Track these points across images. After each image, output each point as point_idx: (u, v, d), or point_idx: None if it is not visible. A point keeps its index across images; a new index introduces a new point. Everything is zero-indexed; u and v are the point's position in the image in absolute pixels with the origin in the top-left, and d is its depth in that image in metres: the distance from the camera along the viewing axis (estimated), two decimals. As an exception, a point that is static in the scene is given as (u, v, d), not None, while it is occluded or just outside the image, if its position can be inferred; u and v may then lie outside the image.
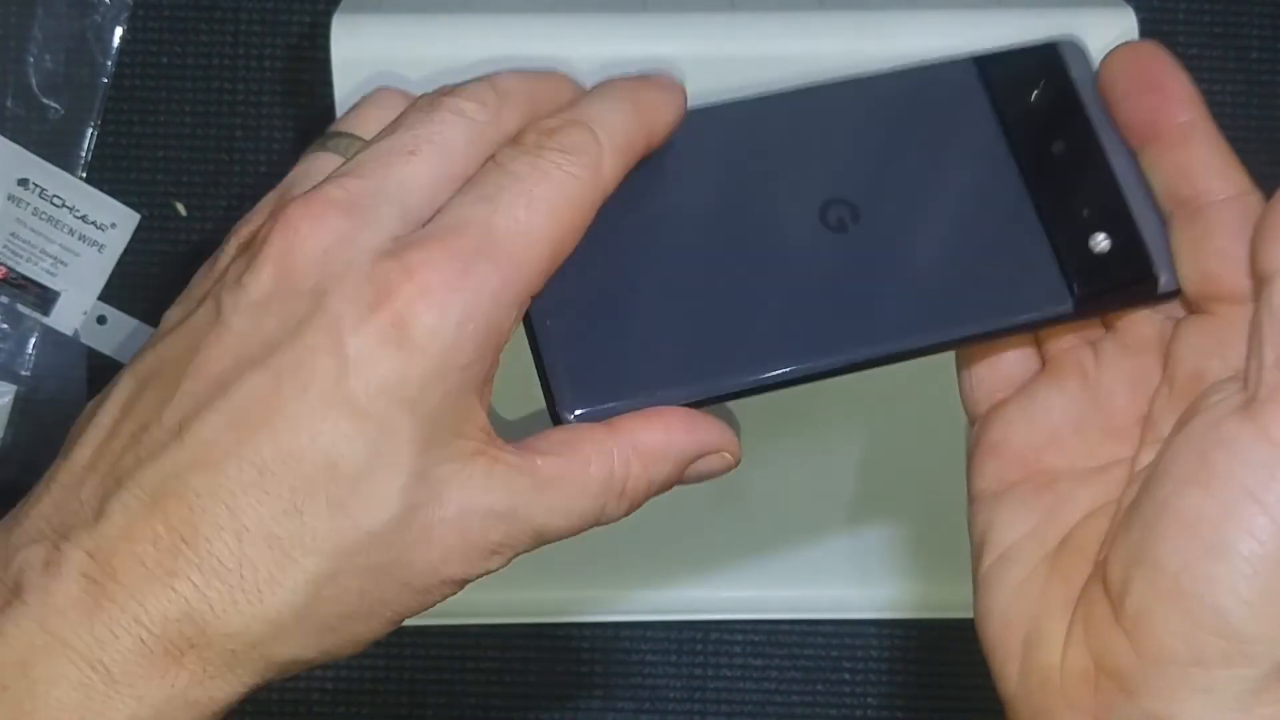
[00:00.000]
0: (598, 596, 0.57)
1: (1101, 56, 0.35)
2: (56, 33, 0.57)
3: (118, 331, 0.57)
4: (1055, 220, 0.36)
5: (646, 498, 0.35)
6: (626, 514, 0.35)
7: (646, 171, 0.35)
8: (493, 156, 0.33)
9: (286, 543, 0.31)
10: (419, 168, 0.33)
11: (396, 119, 0.34)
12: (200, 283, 0.34)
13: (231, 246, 0.34)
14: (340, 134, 0.35)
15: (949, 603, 0.57)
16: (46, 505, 0.32)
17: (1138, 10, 0.46)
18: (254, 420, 0.30)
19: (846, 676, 0.60)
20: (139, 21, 0.57)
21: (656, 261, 0.35)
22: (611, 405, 0.34)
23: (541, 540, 0.34)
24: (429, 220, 0.32)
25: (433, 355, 0.31)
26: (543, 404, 0.34)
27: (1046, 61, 0.36)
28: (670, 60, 0.44)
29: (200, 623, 0.30)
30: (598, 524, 0.34)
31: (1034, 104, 0.36)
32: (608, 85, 0.35)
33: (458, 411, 0.32)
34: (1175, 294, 0.34)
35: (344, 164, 0.33)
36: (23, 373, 0.57)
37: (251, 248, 0.32)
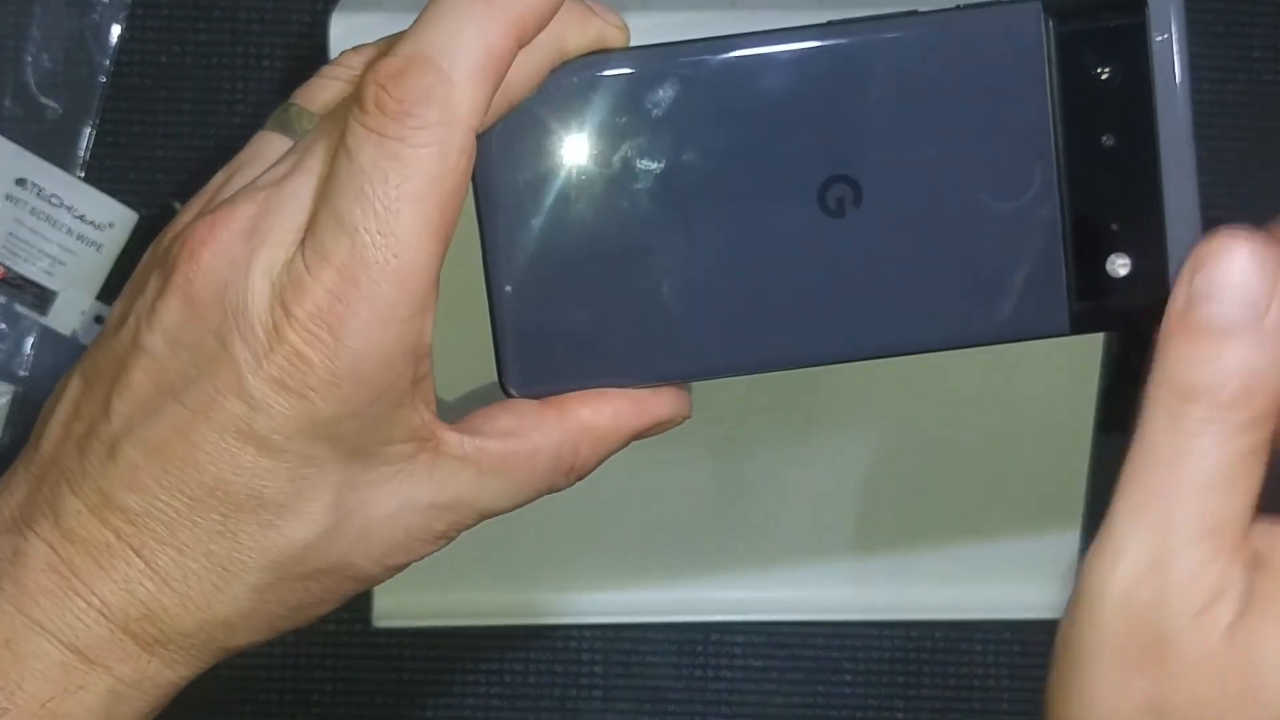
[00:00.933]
0: (598, 598, 0.57)
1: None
2: (55, 32, 0.56)
3: (116, 331, 0.57)
4: (1079, 226, 0.32)
5: (594, 469, 0.35)
6: (573, 484, 0.35)
7: (627, 128, 0.33)
8: (343, 135, 0.31)
9: (224, 559, 0.32)
10: (311, 179, 0.32)
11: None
12: (135, 278, 0.34)
13: (151, 253, 0.34)
14: (293, 107, 0.35)
15: (949, 604, 0.57)
16: (18, 493, 0.33)
17: (1139, 9, 0.46)
18: (176, 452, 0.31)
19: (847, 677, 0.60)
20: (137, 20, 0.56)
21: (625, 233, 0.33)
22: (560, 385, 0.34)
23: (486, 518, 0.34)
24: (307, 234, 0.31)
25: (334, 398, 0.31)
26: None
27: (1125, 23, 0.31)
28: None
29: (159, 623, 0.32)
30: (545, 495, 0.35)
31: (1095, 77, 0.31)
32: None
33: (381, 427, 0.32)
34: None
35: (264, 172, 0.33)
36: (21, 373, 0.57)
37: (165, 265, 0.32)
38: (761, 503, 0.56)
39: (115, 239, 0.57)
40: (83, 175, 0.57)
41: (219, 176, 0.34)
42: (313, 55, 0.55)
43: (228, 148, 0.57)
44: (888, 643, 0.60)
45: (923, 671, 0.60)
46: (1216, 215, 0.61)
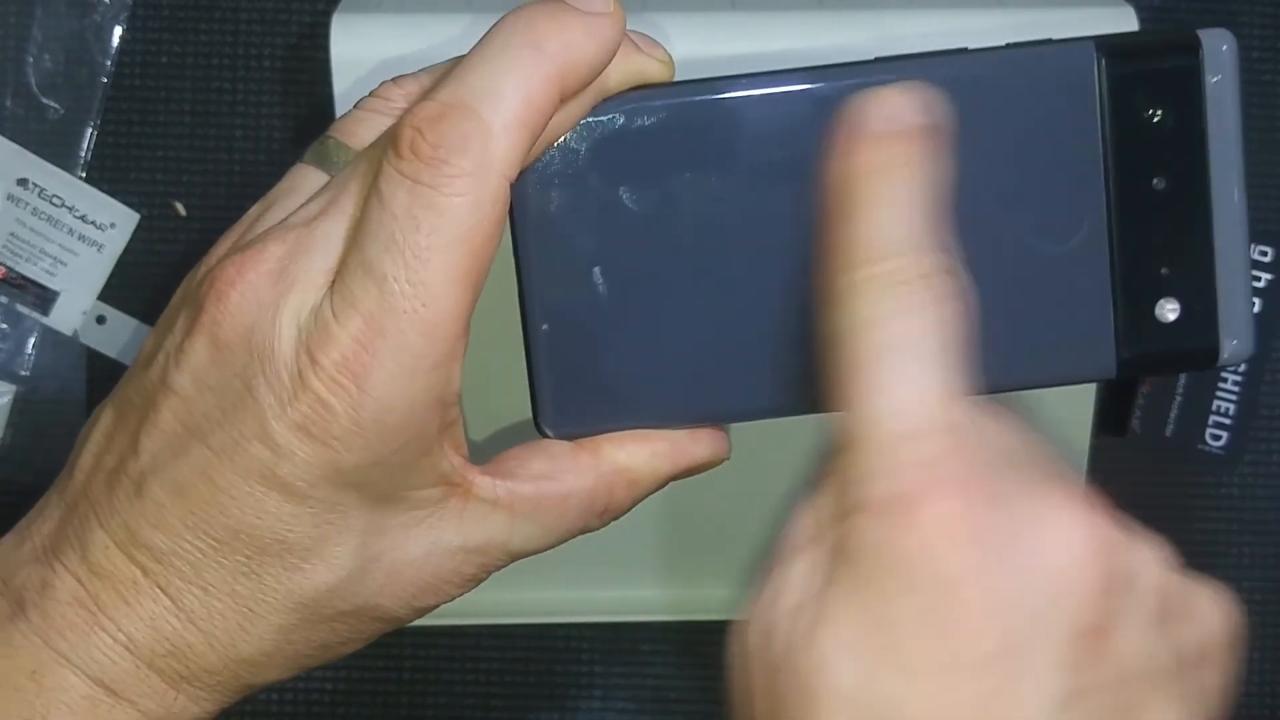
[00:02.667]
0: (598, 596, 0.57)
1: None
2: (56, 32, 0.57)
3: (117, 331, 0.57)
4: (1127, 271, 0.31)
5: (630, 510, 0.35)
6: (607, 524, 0.35)
7: (667, 166, 0.32)
8: (376, 178, 0.30)
9: (249, 600, 0.32)
10: (344, 221, 0.31)
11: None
12: (169, 312, 0.33)
13: (184, 288, 0.33)
14: (331, 140, 0.34)
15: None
16: (49, 523, 0.33)
17: (1138, 9, 0.46)
18: (201, 494, 0.31)
19: (847, 677, 0.59)
20: (138, 21, 0.56)
21: (663, 273, 0.32)
22: (597, 426, 0.33)
23: (518, 559, 0.34)
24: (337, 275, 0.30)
25: (358, 447, 0.30)
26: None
27: (1179, 65, 0.30)
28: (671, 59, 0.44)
29: (185, 660, 0.32)
30: (579, 535, 0.34)
31: (1148, 120, 0.30)
32: (503, 27, 0.31)
33: (407, 474, 0.31)
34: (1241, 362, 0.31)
35: (297, 210, 0.32)
36: (22, 373, 0.57)
37: (194, 304, 0.32)
38: (763, 502, 0.56)
39: (117, 239, 0.57)
40: (84, 175, 0.57)
41: (254, 210, 0.34)
42: (313, 56, 0.55)
43: (228, 148, 0.57)
44: (887, 642, 0.60)
45: (922, 671, 0.60)
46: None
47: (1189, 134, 0.30)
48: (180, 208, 0.57)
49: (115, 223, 0.57)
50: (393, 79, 0.34)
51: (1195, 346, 0.31)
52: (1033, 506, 0.28)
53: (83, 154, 0.57)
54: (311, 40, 0.56)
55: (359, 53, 0.46)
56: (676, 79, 0.32)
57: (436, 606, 0.34)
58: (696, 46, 0.46)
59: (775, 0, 0.48)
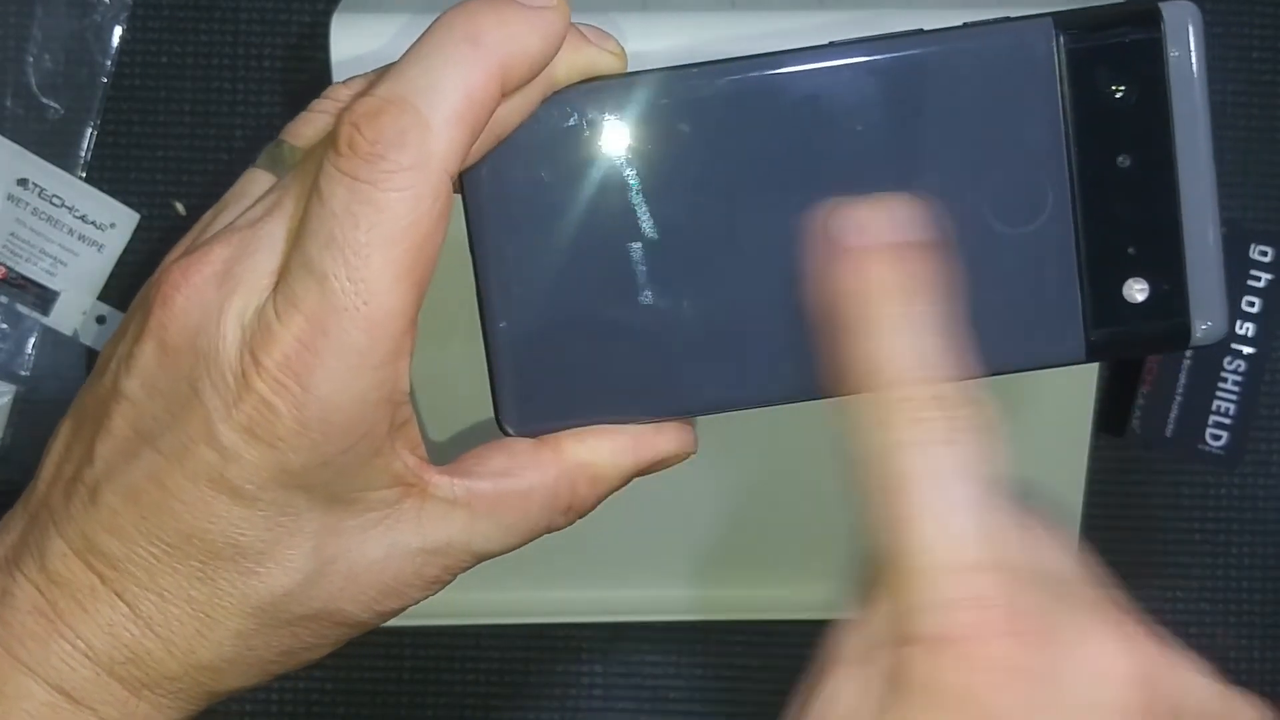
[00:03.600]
0: (598, 597, 0.57)
1: None
2: (56, 32, 0.57)
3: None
4: (1094, 251, 0.30)
5: (594, 508, 0.34)
6: (574, 522, 0.34)
7: (620, 158, 0.31)
8: (317, 177, 0.30)
9: (205, 605, 0.31)
10: (286, 221, 0.31)
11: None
12: (124, 319, 0.33)
13: (140, 295, 0.33)
14: (284, 144, 0.34)
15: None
16: (13, 534, 0.33)
17: None
18: (152, 499, 0.31)
19: (847, 677, 0.59)
20: (138, 21, 0.56)
21: (620, 266, 0.32)
22: (558, 422, 0.33)
23: (483, 559, 0.33)
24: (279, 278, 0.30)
25: (303, 448, 0.30)
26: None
27: (1140, 39, 0.29)
28: (671, 59, 0.44)
29: (144, 667, 0.32)
30: (544, 534, 0.34)
31: (1110, 95, 0.30)
32: (443, 22, 0.30)
33: (359, 475, 0.31)
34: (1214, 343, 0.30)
35: (243, 213, 0.32)
36: (22, 373, 0.57)
37: (142, 308, 0.32)
38: (762, 501, 0.56)
39: (116, 239, 0.57)
40: (84, 175, 0.57)
41: (207, 215, 0.34)
42: (313, 56, 0.55)
43: (228, 148, 0.57)
44: (887, 642, 0.60)
45: (922, 671, 0.60)
46: (1215, 215, 0.61)
47: (1152, 109, 0.29)
48: (180, 207, 0.57)
49: (115, 222, 0.57)
50: (343, 80, 0.34)
51: (1166, 327, 0.30)
52: (1079, 640, 0.28)
53: (83, 154, 0.57)
54: (311, 40, 0.56)
55: (359, 53, 0.46)
56: (634, 69, 0.32)
57: (401, 610, 0.33)
58: (696, 45, 0.46)
59: (774, 1, 0.48)
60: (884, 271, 0.29)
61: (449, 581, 0.33)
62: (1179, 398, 0.56)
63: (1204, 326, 0.30)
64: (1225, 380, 0.56)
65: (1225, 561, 0.58)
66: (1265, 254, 0.56)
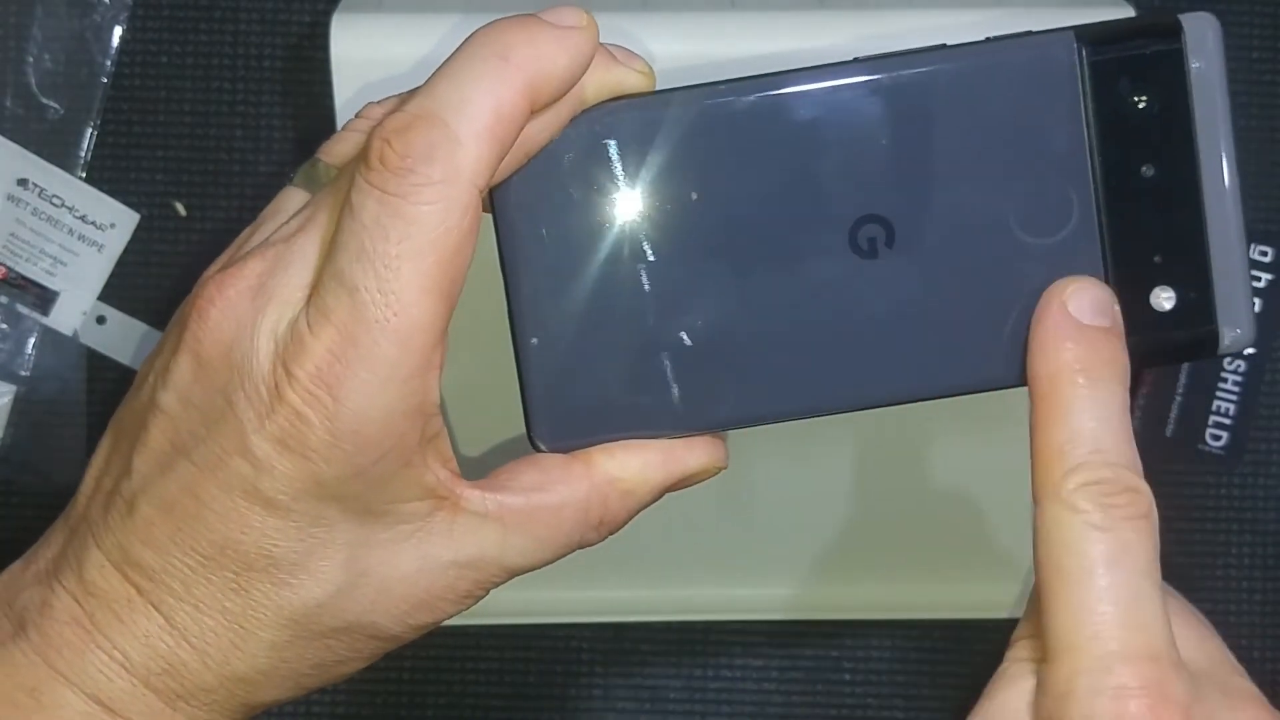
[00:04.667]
0: (598, 596, 0.57)
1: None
2: (56, 32, 0.57)
3: (117, 331, 0.57)
4: (1120, 261, 0.30)
5: (626, 523, 0.34)
6: (605, 538, 0.34)
7: (650, 175, 0.32)
8: (348, 190, 0.30)
9: (239, 616, 0.32)
10: (319, 235, 0.31)
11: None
12: (162, 338, 0.34)
13: (179, 310, 0.33)
14: (319, 163, 0.35)
15: (949, 603, 0.57)
16: (53, 547, 0.33)
17: (1138, 9, 0.46)
18: (187, 510, 0.31)
19: (846, 676, 0.60)
20: (138, 21, 0.56)
21: (651, 281, 0.32)
22: (589, 438, 0.33)
23: (515, 574, 0.34)
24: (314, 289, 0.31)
25: (335, 459, 0.30)
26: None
27: (1161, 50, 0.30)
28: (672, 59, 0.44)
29: (180, 678, 0.32)
30: (576, 549, 0.34)
31: (1133, 107, 0.30)
32: (474, 40, 0.31)
33: (391, 487, 0.31)
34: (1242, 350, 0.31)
35: (278, 228, 0.33)
36: (22, 373, 0.57)
37: (179, 323, 0.32)
38: (761, 501, 0.56)
39: (117, 239, 0.57)
40: (84, 176, 0.57)
41: (245, 232, 0.34)
42: (313, 56, 0.55)
43: (228, 148, 0.57)
44: (887, 642, 0.60)
45: (922, 671, 0.60)
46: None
47: (1175, 120, 0.30)
48: (180, 207, 0.57)
49: (115, 223, 0.57)
50: (378, 100, 0.35)
51: (1193, 335, 0.30)
52: None
53: (83, 154, 0.57)
54: (311, 40, 0.56)
55: (359, 53, 0.46)
56: (659, 87, 0.33)
57: (434, 624, 0.33)
58: (698, 45, 0.46)
59: (775, 1, 0.48)
60: (1106, 353, 0.30)
61: (481, 596, 0.34)
62: (1179, 398, 0.56)
63: (1232, 334, 0.31)
64: (1225, 380, 0.56)
65: (1225, 562, 0.58)
66: (1265, 254, 0.56)
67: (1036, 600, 0.30)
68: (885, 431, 0.55)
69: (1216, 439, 0.57)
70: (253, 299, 0.31)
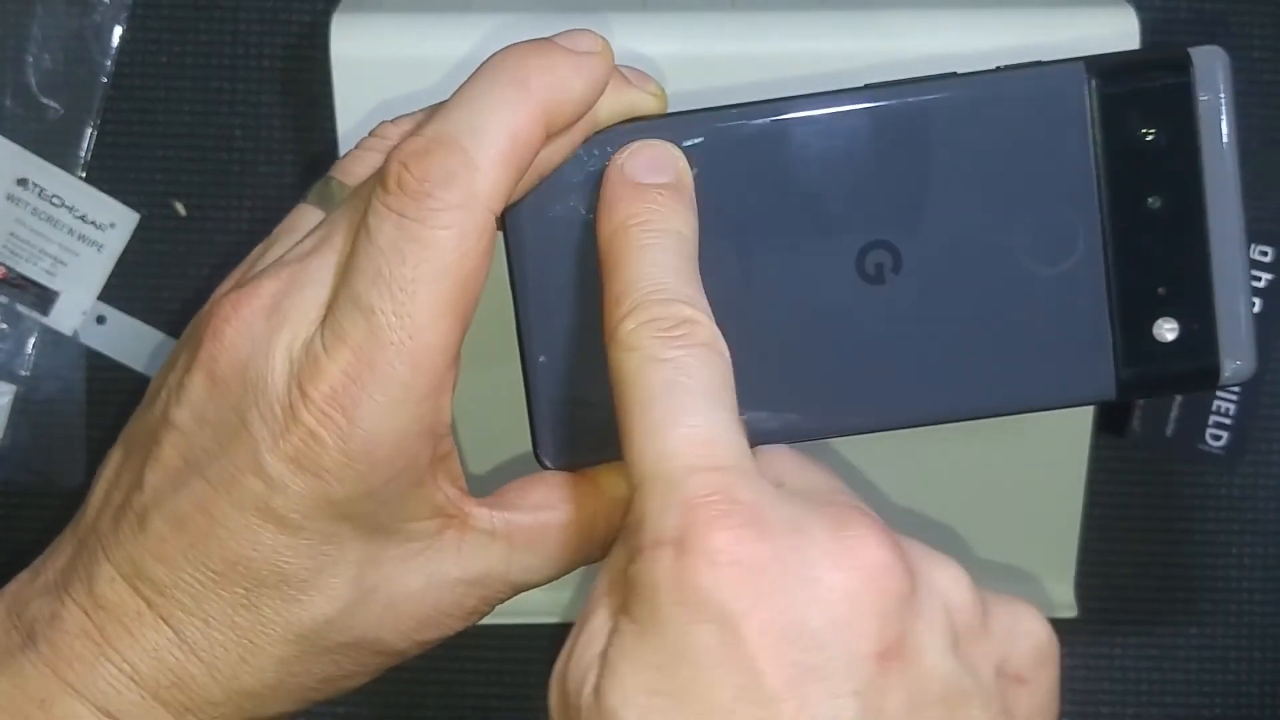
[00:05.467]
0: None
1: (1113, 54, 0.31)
2: (55, 32, 0.57)
3: (117, 331, 0.57)
4: (1124, 291, 0.31)
5: None
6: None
7: None
8: (365, 213, 0.31)
9: (249, 632, 0.32)
10: (334, 256, 0.31)
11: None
12: (174, 350, 0.34)
13: (190, 327, 0.34)
14: (333, 181, 0.35)
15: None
16: (61, 558, 0.33)
17: (1139, 10, 0.46)
18: (200, 526, 0.31)
19: (847, 677, 0.60)
20: (138, 21, 0.56)
21: None
22: (596, 457, 0.33)
23: (521, 590, 0.34)
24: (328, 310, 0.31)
25: (348, 479, 0.30)
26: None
27: (1170, 84, 0.30)
28: (671, 59, 0.44)
29: (188, 691, 0.32)
30: (582, 566, 0.34)
31: (1140, 139, 0.30)
32: (491, 65, 0.31)
33: (401, 506, 0.32)
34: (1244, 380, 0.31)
35: (293, 247, 0.33)
36: (22, 372, 0.57)
37: (193, 340, 0.32)
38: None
39: (116, 239, 0.57)
40: (84, 175, 0.57)
41: (257, 249, 0.35)
42: (313, 56, 0.55)
43: (227, 147, 0.57)
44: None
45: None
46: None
47: (1182, 152, 0.30)
48: (180, 207, 0.57)
49: (115, 222, 0.57)
50: (392, 119, 0.35)
51: (1195, 366, 0.31)
52: (812, 534, 0.28)
53: (82, 154, 0.57)
54: (311, 40, 0.56)
55: (358, 52, 0.46)
56: (666, 95, 0.33)
57: (439, 640, 0.34)
58: (698, 45, 0.46)
59: (774, 3, 0.48)
60: (631, 207, 0.30)
61: (487, 613, 0.34)
62: (1179, 398, 0.56)
63: (1234, 365, 0.31)
64: (1225, 380, 0.56)
65: (1225, 561, 0.58)
66: (1265, 254, 0.56)
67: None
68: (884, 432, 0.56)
69: (1217, 439, 0.57)
70: (268, 318, 0.31)
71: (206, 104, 0.57)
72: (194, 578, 0.31)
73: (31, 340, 0.57)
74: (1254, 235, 0.56)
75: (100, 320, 0.57)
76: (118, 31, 0.57)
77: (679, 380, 0.28)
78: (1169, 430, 0.57)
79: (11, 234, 0.57)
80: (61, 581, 0.33)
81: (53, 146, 0.57)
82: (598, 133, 0.32)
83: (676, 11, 0.47)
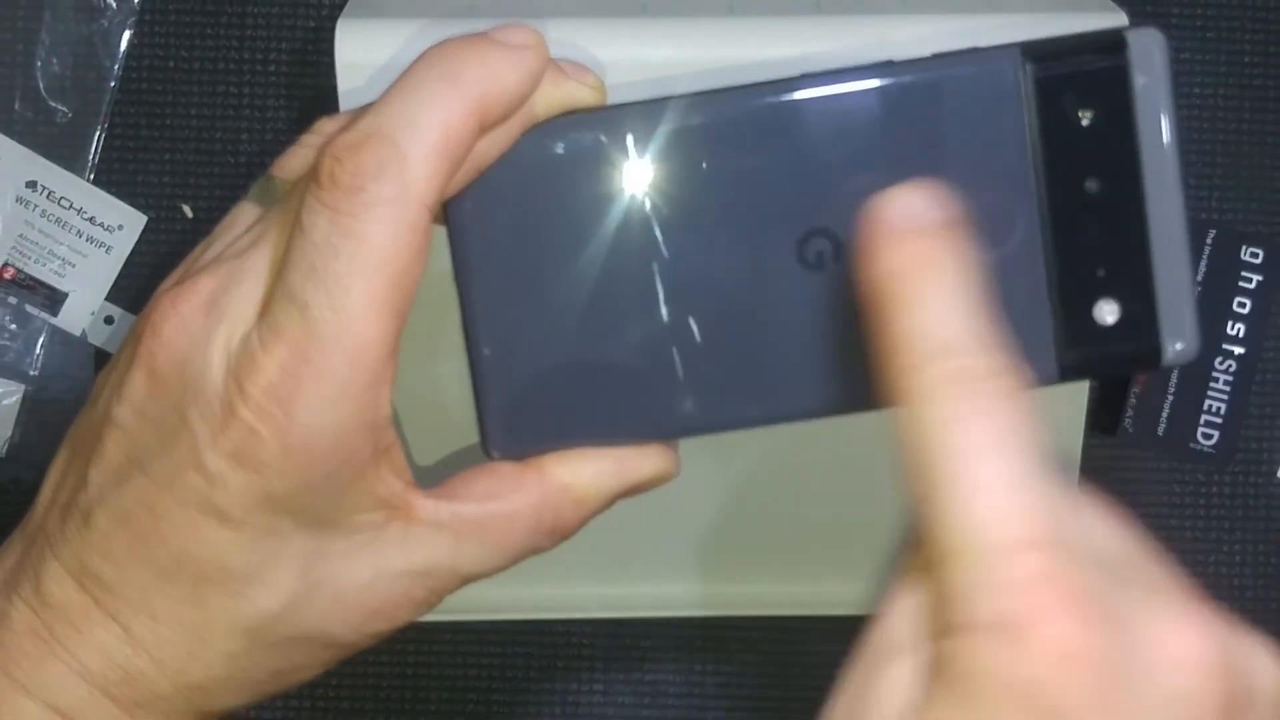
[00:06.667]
0: (599, 593, 0.58)
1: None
2: (64, 37, 0.57)
3: (125, 332, 0.57)
4: (1064, 275, 0.30)
5: (578, 530, 0.34)
6: (558, 544, 0.34)
7: (600, 188, 0.32)
8: (299, 209, 0.30)
9: (196, 627, 0.32)
10: (271, 252, 0.31)
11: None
12: (118, 349, 0.34)
13: (134, 325, 0.34)
14: (273, 179, 0.35)
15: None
16: (10, 559, 0.33)
17: (1130, 14, 0.46)
18: (143, 523, 0.31)
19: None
20: (145, 26, 0.57)
21: (601, 292, 0.32)
22: (543, 446, 0.33)
23: (470, 581, 0.34)
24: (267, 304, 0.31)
25: (288, 473, 0.30)
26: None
27: (1105, 66, 0.30)
28: (669, 64, 0.45)
29: (137, 687, 0.32)
30: (530, 556, 0.34)
31: (1076, 122, 0.30)
32: (424, 61, 0.31)
33: (344, 499, 0.31)
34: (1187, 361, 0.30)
35: (231, 244, 0.33)
36: (31, 372, 0.58)
37: (133, 338, 0.32)
38: (761, 498, 0.56)
39: (124, 240, 0.57)
40: (92, 178, 0.57)
41: (198, 249, 0.34)
42: (319, 61, 0.56)
43: (234, 151, 0.57)
44: (884, 638, 0.60)
45: (918, 667, 0.60)
46: (1207, 220, 0.62)
47: (1119, 135, 0.30)
48: (187, 209, 0.58)
49: (123, 224, 0.57)
50: (330, 116, 0.35)
51: (1137, 348, 0.30)
52: (1148, 623, 0.26)
53: (91, 157, 0.57)
54: (317, 45, 0.56)
55: (364, 57, 0.46)
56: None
57: (390, 632, 0.33)
58: (695, 50, 0.47)
59: (772, 5, 0.48)
60: (909, 251, 0.28)
61: (436, 603, 0.34)
62: (1170, 397, 0.57)
63: (1175, 347, 0.30)
64: (1216, 380, 0.57)
65: (1217, 559, 0.59)
66: (1256, 255, 0.56)
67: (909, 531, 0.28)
68: (883, 432, 0.56)
69: (1208, 438, 0.57)
70: (205, 315, 0.31)
71: (213, 108, 0.57)
72: (139, 575, 0.31)
73: (41, 340, 0.58)
74: (1244, 237, 0.56)
75: (108, 320, 0.58)
76: (126, 36, 0.57)
77: (997, 441, 0.26)
78: (1160, 429, 0.57)
79: (21, 236, 0.57)
80: (10, 581, 0.33)
81: (62, 150, 0.57)
82: (536, 125, 0.32)
83: (675, 16, 0.48)
